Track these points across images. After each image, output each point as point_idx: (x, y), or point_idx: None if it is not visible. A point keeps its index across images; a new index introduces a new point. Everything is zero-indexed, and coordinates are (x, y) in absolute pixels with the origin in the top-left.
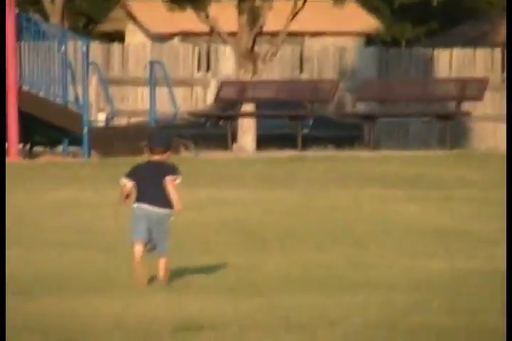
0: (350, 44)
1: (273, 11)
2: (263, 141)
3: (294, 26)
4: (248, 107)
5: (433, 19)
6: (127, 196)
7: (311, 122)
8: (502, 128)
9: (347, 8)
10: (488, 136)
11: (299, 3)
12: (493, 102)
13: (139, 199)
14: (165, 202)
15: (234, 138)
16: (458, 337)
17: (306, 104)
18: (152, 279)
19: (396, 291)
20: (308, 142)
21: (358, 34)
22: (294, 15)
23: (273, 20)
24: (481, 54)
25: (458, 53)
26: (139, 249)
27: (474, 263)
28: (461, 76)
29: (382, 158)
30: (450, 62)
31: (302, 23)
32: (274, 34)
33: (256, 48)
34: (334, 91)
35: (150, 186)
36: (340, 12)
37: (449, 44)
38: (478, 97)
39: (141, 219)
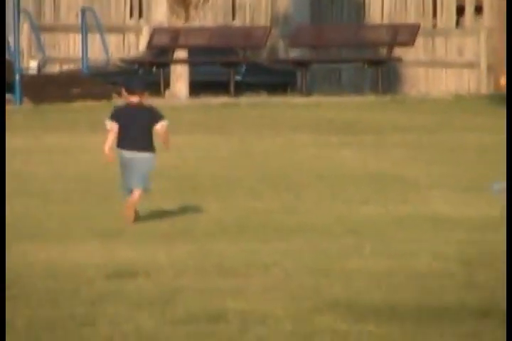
0: None
1: None
2: (196, 88)
3: None
4: (181, 54)
5: None
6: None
7: (244, 68)
8: (433, 73)
9: None
10: (420, 81)
11: None
12: (424, 47)
13: (121, 146)
14: (148, 146)
15: (167, 85)
16: (391, 280)
17: (239, 51)
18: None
19: (331, 237)
20: (241, 88)
21: None
22: None
23: None
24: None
25: None
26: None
27: (408, 208)
28: (392, 22)
29: (315, 104)
30: (382, 7)
31: None
32: None
33: None
34: (267, 38)
35: (133, 131)
36: None
37: None
38: (409, 43)
39: (126, 168)
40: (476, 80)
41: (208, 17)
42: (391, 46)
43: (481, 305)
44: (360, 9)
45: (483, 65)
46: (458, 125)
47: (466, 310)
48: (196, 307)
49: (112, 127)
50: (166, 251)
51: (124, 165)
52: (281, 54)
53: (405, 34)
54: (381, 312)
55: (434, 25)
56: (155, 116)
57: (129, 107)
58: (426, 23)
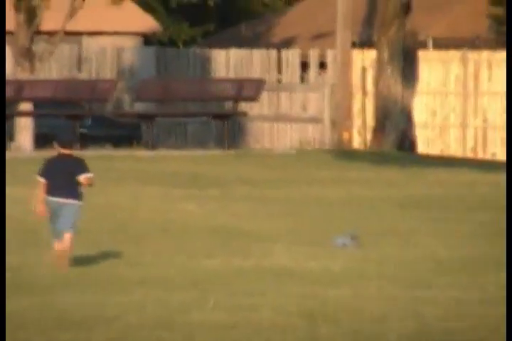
0: (128, 44)
1: (50, 10)
2: (41, 140)
3: (72, 25)
4: (25, 106)
5: (209, 20)
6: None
7: (89, 121)
8: (278, 127)
9: (125, 8)
10: (265, 135)
11: (77, 3)
12: (269, 102)
13: (50, 193)
14: (74, 194)
15: (11, 137)
16: (234, 334)
17: (84, 104)
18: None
19: (173, 290)
20: (86, 141)
21: (135, 34)
22: (72, 14)
23: (50, 19)
24: (258, 55)
25: (235, 54)
26: (57, 248)
27: (251, 261)
28: (238, 76)
29: (160, 158)
30: (227, 62)
31: (80, 23)
32: (51, 33)
33: (33, 47)
34: (112, 91)
35: (61, 179)
36: (118, 12)
37: (225, 45)
38: (254, 97)
39: (55, 214)
40: (320, 135)
41: (53, 69)
42: (236, 100)
43: None
44: (206, 63)
45: (327, 120)
46: (301, 179)
47: None
48: None
49: (40, 182)
50: (7, 304)
51: (53, 212)
52: (127, 107)
53: (250, 89)
54: None
55: (279, 81)
56: (81, 167)
57: (59, 158)
58: (271, 78)
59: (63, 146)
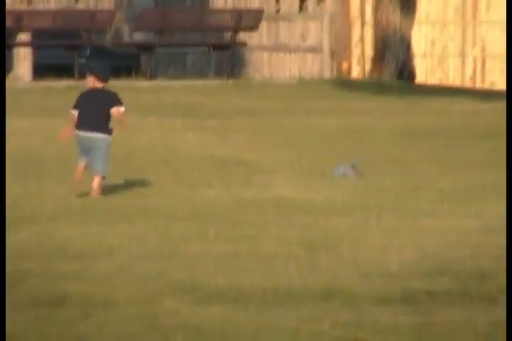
0: None
1: None
2: (40, 71)
3: None
4: (24, 37)
5: None
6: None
7: (87, 52)
8: (277, 57)
9: None
10: (264, 65)
11: None
12: (268, 32)
13: (79, 126)
14: (103, 128)
15: (10, 68)
16: (235, 263)
17: (83, 34)
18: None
19: (174, 220)
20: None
21: None
22: None
23: None
24: None
25: None
26: (80, 165)
27: (252, 192)
28: (236, 6)
29: (159, 88)
30: None
31: None
32: None
33: None
34: (111, 21)
35: (91, 113)
36: None
37: None
38: (253, 27)
39: (82, 145)
40: (319, 65)
41: (50, 0)
42: (235, 31)
43: (324, 287)
44: None
45: (326, 50)
46: (301, 109)
47: (310, 293)
48: (39, 292)
49: (73, 116)
50: (9, 235)
51: (81, 146)
52: (126, 37)
53: (249, 19)
54: (226, 294)
55: (278, 10)
56: (113, 100)
57: (92, 91)
58: (269, 7)
59: (99, 80)
